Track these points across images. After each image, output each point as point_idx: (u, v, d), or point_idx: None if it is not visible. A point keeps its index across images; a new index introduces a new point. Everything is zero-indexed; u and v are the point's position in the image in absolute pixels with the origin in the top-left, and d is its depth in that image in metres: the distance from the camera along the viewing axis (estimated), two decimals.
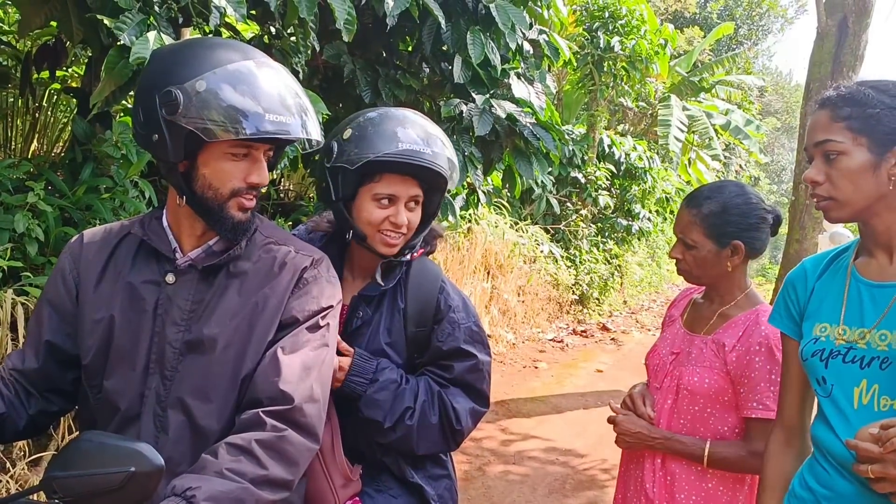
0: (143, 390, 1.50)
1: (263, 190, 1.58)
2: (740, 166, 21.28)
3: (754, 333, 1.95)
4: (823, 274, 1.61)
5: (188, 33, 3.31)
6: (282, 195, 5.94)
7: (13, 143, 4.95)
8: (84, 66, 4.77)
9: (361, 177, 1.79)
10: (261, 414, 1.43)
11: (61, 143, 5.25)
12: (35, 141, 5.15)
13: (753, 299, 2.06)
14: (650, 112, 14.78)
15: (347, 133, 1.79)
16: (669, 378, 2.08)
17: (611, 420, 2.14)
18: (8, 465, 2.96)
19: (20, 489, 2.88)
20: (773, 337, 1.91)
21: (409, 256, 1.88)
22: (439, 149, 1.79)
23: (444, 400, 1.82)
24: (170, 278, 1.54)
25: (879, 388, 1.41)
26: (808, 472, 1.57)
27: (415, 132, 1.77)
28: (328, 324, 1.59)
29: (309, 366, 1.51)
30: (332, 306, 1.60)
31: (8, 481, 2.89)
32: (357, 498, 1.85)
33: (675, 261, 2.12)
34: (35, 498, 1.32)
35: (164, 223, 1.59)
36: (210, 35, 4.02)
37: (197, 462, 1.38)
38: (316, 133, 1.54)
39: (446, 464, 1.97)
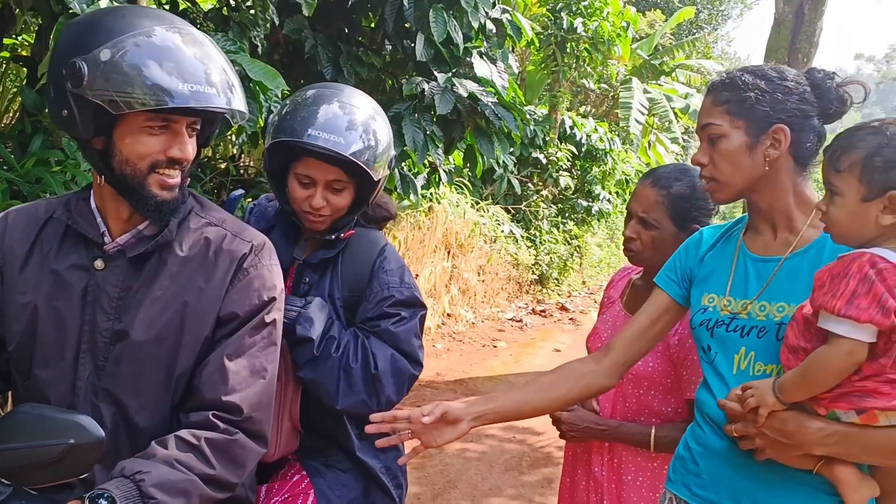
0: (75, 381, 1.43)
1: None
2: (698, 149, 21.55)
3: None
4: (716, 245, 1.70)
5: (144, 2, 3.22)
6: (241, 171, 5.85)
7: None
8: (34, 35, 4.63)
9: (287, 156, 1.82)
10: (211, 417, 1.40)
11: (10, 114, 5.09)
12: None
13: None
14: (611, 94, 14.85)
15: (284, 110, 1.83)
16: None
17: (555, 418, 2.09)
18: None
19: None
20: None
21: (334, 237, 1.88)
22: (359, 142, 1.76)
23: (366, 346, 1.80)
24: (98, 264, 1.45)
25: (755, 354, 1.51)
26: (689, 434, 1.67)
27: (337, 119, 1.76)
28: (274, 320, 1.52)
29: (257, 370, 1.46)
30: (274, 298, 1.53)
31: None
32: (295, 460, 1.88)
33: (625, 240, 2.07)
34: None
35: (92, 205, 1.49)
36: (166, 6, 3.92)
37: (146, 449, 1.36)
38: (238, 104, 1.42)
39: None
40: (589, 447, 2.11)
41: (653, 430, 1.98)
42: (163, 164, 1.40)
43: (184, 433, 1.38)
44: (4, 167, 3.38)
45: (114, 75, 1.30)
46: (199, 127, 1.46)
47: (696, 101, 13.55)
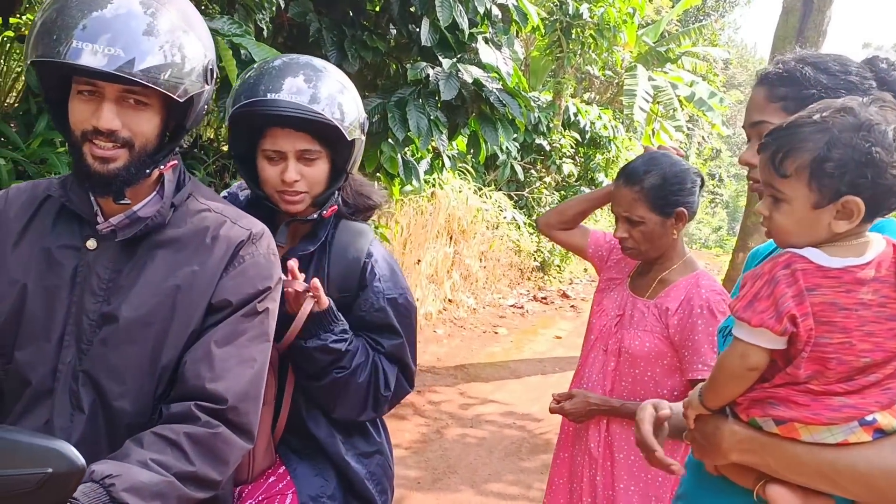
0: (57, 364, 1.37)
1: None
2: (703, 138, 21.50)
3: (695, 297, 2.03)
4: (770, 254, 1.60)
5: None
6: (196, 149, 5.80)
7: None
8: None
9: (252, 133, 1.71)
10: (193, 408, 1.33)
11: (14, 94, 5.08)
12: None
13: (692, 265, 2.15)
14: (616, 81, 14.80)
15: (238, 84, 1.72)
16: (613, 340, 2.15)
17: (558, 410, 2.17)
18: None
19: None
20: (713, 300, 2.01)
21: (316, 216, 1.76)
22: (325, 100, 1.66)
23: (377, 364, 1.74)
24: (90, 244, 1.39)
25: None
26: None
27: (301, 82, 1.65)
28: (266, 309, 1.45)
29: (245, 359, 1.39)
30: (270, 288, 1.46)
31: None
32: (282, 471, 1.78)
33: (619, 241, 2.15)
34: None
35: None
36: None
37: (121, 448, 1.30)
38: (154, 60, 1.27)
39: (376, 440, 1.88)
40: (587, 424, 2.17)
41: None
42: (91, 136, 1.32)
43: (161, 429, 1.31)
44: (10, 147, 3.38)
45: (34, 34, 1.26)
46: (140, 99, 1.33)
47: (702, 89, 13.51)
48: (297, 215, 1.75)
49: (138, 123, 1.34)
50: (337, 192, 1.81)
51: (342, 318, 1.72)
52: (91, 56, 1.23)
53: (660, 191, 2.05)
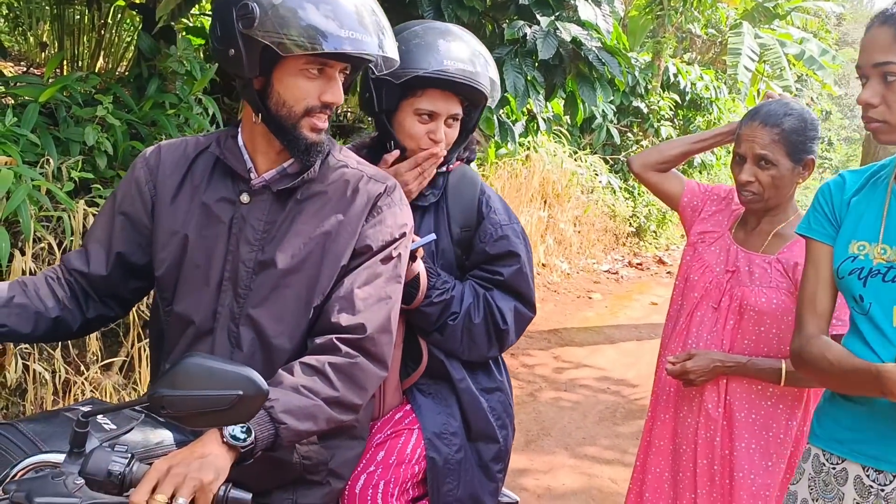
0: (216, 307, 1.54)
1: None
2: (812, 98, 20.40)
3: None
4: (862, 189, 1.57)
5: None
6: (340, 117, 5.92)
7: (80, 60, 5.02)
8: None
9: (404, 90, 1.83)
10: (335, 340, 1.48)
11: (125, 62, 5.30)
12: (101, 58, 5.21)
13: None
14: (719, 40, 14.19)
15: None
16: (728, 297, 2.05)
17: (680, 370, 2.04)
18: (82, 367, 3.11)
19: (94, 391, 3.03)
20: None
21: (445, 168, 1.92)
22: (482, 67, 1.82)
23: (489, 301, 1.87)
24: (244, 198, 1.55)
25: None
26: None
27: (458, 48, 1.81)
28: (399, 254, 1.60)
29: (382, 297, 1.54)
30: (404, 234, 1.61)
31: (83, 383, 3.04)
32: (408, 409, 1.89)
33: (740, 185, 2.02)
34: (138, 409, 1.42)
35: (240, 142, 1.59)
36: None
37: (274, 377, 1.43)
38: (392, 51, 1.52)
39: (498, 377, 1.98)
40: (702, 385, 2.08)
41: (784, 363, 1.95)
42: (317, 109, 1.50)
43: (308, 359, 1.46)
44: (124, 109, 3.53)
45: (283, 18, 1.39)
46: (348, 72, 1.54)
47: (813, 47, 12.77)
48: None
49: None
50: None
51: (440, 271, 1.87)
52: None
53: (799, 134, 1.96)
